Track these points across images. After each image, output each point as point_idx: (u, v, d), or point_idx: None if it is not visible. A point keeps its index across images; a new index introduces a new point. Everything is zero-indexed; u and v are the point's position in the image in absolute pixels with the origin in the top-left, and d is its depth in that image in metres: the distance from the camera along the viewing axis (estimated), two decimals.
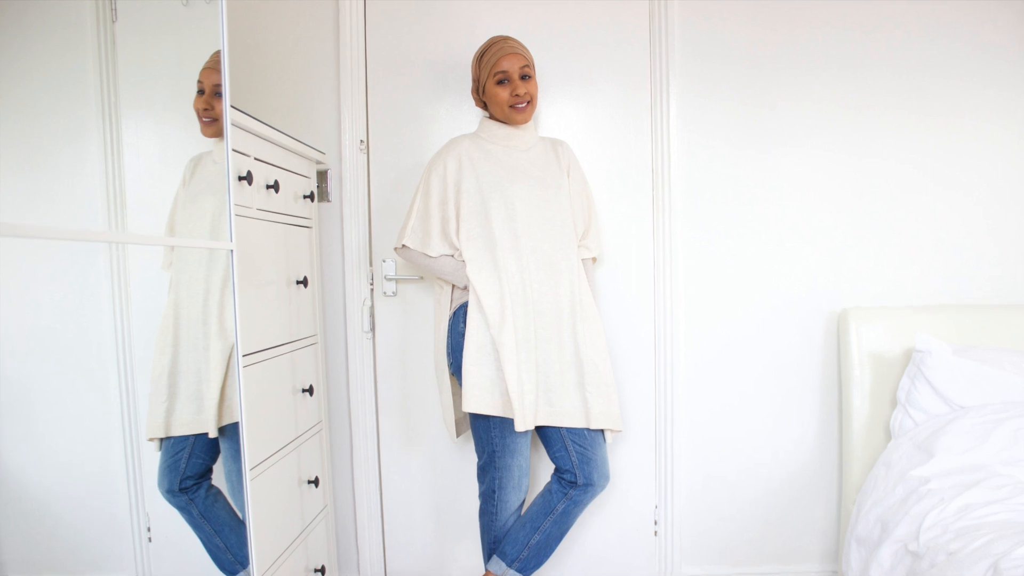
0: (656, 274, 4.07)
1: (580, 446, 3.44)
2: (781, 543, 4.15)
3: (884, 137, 4.08)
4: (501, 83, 3.46)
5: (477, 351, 3.35)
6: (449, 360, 3.51)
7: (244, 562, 2.69)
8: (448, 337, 3.50)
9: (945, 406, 3.44)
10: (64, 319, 2.18)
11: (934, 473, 3.03)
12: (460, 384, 3.42)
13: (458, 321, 3.45)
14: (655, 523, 4.16)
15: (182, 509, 2.56)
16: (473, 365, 3.35)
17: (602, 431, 3.52)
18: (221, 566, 2.65)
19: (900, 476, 3.15)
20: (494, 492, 3.39)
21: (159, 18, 2.59)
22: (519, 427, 3.29)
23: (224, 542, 2.66)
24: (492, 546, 3.44)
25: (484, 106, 3.61)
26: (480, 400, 3.33)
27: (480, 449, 3.50)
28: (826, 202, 4.10)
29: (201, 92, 2.63)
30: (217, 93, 2.61)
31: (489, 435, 3.41)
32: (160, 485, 2.49)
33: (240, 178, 2.81)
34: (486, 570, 3.46)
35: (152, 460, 2.46)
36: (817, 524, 4.14)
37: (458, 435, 3.69)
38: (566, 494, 3.44)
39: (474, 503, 3.85)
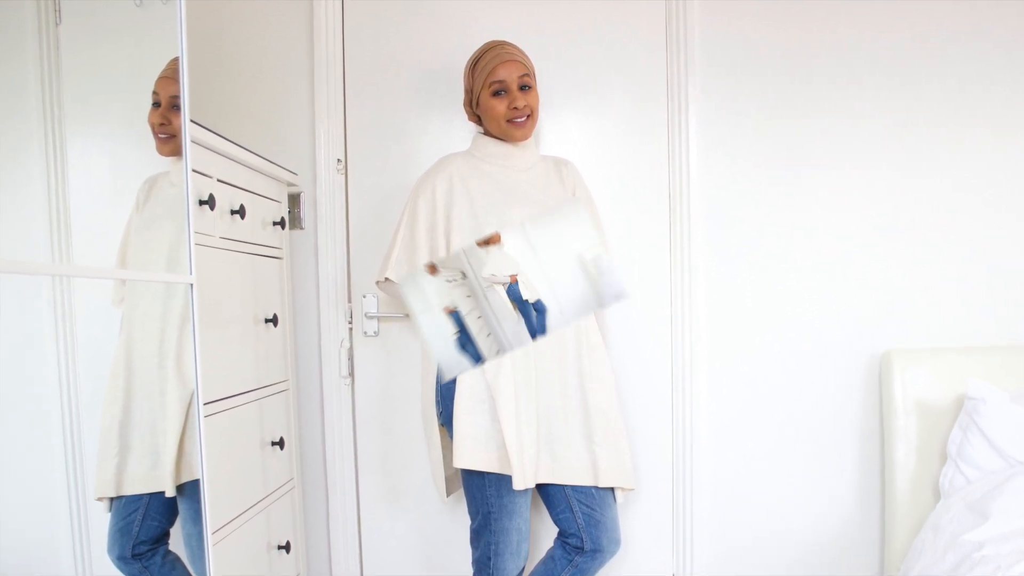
0: (673, 311, 4.06)
1: (587, 506, 3.42)
2: None
3: (934, 156, 4.07)
4: (497, 94, 3.46)
5: (470, 399, 3.34)
6: (439, 409, 3.49)
7: None
8: (437, 383, 3.48)
9: (1002, 461, 3.42)
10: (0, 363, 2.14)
11: (989, 537, 2.97)
12: (451, 436, 3.39)
13: None
14: None
15: None
16: (465, 414, 3.33)
17: (612, 489, 3.49)
18: None
19: (951, 541, 3.12)
20: (489, 559, 3.35)
21: (109, 21, 2.58)
22: (518, 485, 3.27)
23: None
24: None
25: (478, 120, 3.60)
26: (473, 455, 3.31)
27: (474, 510, 3.47)
28: (866, 229, 4.10)
29: (157, 105, 2.62)
30: (175, 106, 2.60)
31: (484, 494, 3.38)
32: (110, 551, 2.47)
33: (201, 202, 2.79)
34: None
35: (101, 523, 2.42)
36: None
37: (449, 494, 3.67)
38: (571, 561, 3.42)
39: (468, 571, 3.83)
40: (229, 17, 3.97)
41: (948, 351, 3.89)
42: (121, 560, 2.50)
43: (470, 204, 3.44)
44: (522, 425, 3.31)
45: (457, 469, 3.55)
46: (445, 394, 3.44)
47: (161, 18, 2.59)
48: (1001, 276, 4.05)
